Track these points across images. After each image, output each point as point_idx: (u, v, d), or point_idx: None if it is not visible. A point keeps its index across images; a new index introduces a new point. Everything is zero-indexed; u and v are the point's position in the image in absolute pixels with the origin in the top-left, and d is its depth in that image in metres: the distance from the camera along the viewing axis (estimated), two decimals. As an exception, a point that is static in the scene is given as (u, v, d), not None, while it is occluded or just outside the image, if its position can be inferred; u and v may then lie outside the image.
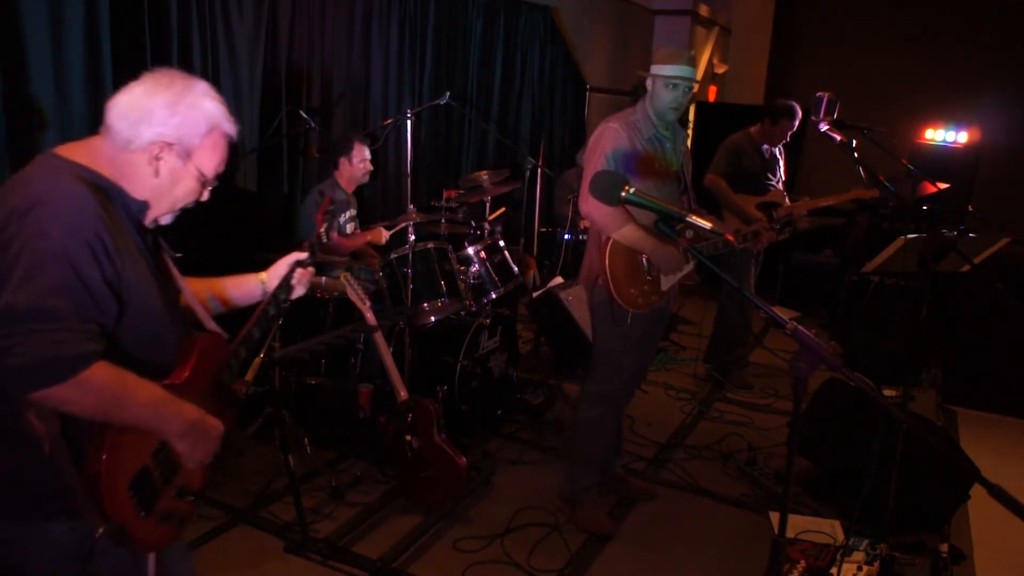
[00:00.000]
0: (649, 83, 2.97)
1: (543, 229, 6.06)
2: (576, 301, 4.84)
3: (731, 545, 3.18)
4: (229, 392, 1.70)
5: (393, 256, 3.80)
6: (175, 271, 1.64)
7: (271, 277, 1.86)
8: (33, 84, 3.06)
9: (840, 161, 4.16)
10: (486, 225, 4.46)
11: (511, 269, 4.26)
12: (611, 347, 3.07)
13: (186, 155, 1.49)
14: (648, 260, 2.99)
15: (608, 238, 2.91)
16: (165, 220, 1.57)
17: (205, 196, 1.58)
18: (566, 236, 5.48)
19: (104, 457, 1.33)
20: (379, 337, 3.27)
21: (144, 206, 1.50)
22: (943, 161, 7.69)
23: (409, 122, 4.16)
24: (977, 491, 2.79)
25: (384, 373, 3.25)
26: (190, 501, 1.59)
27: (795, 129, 4.63)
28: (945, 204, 6.04)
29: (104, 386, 1.31)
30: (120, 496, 1.37)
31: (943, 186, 3.91)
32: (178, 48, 3.63)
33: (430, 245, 3.88)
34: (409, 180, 4.21)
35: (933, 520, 3.22)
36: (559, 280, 5.12)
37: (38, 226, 1.27)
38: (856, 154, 3.57)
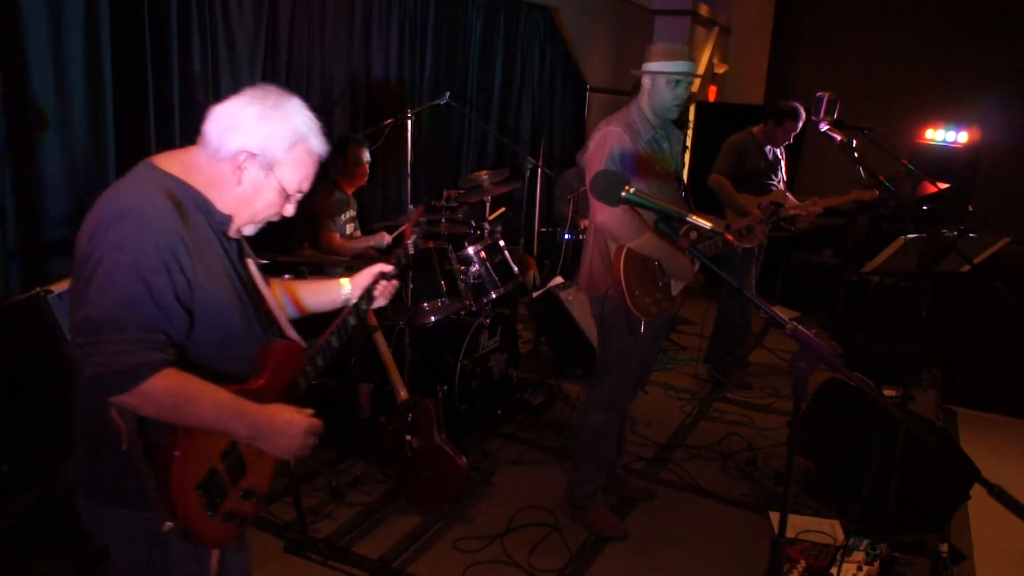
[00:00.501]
0: (647, 81, 2.91)
1: (543, 229, 6.06)
2: (576, 301, 4.84)
3: (731, 545, 3.18)
4: (302, 397, 1.70)
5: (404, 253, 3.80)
6: (259, 277, 1.67)
7: (354, 287, 1.86)
8: (33, 84, 3.06)
9: (840, 161, 4.17)
10: (486, 225, 4.45)
11: (511, 269, 4.26)
12: (624, 356, 3.05)
13: (268, 167, 1.51)
14: (660, 267, 2.98)
15: (620, 248, 2.86)
16: (248, 231, 1.60)
17: (289, 211, 1.59)
18: (566, 236, 5.48)
19: (174, 456, 1.40)
20: (379, 337, 3.27)
21: (227, 218, 1.55)
22: (943, 161, 7.69)
23: (409, 122, 4.17)
24: (977, 491, 2.79)
25: (384, 373, 3.26)
26: (255, 502, 1.60)
27: (798, 131, 4.64)
28: (945, 204, 6.05)
29: (166, 394, 1.37)
30: (187, 495, 1.42)
31: (943, 186, 3.92)
32: (178, 48, 3.63)
33: (430, 245, 3.88)
34: (409, 180, 4.21)
35: (933, 520, 3.22)
36: (559, 280, 5.12)
37: (117, 240, 1.35)
38: (856, 154, 3.57)
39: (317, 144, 1.56)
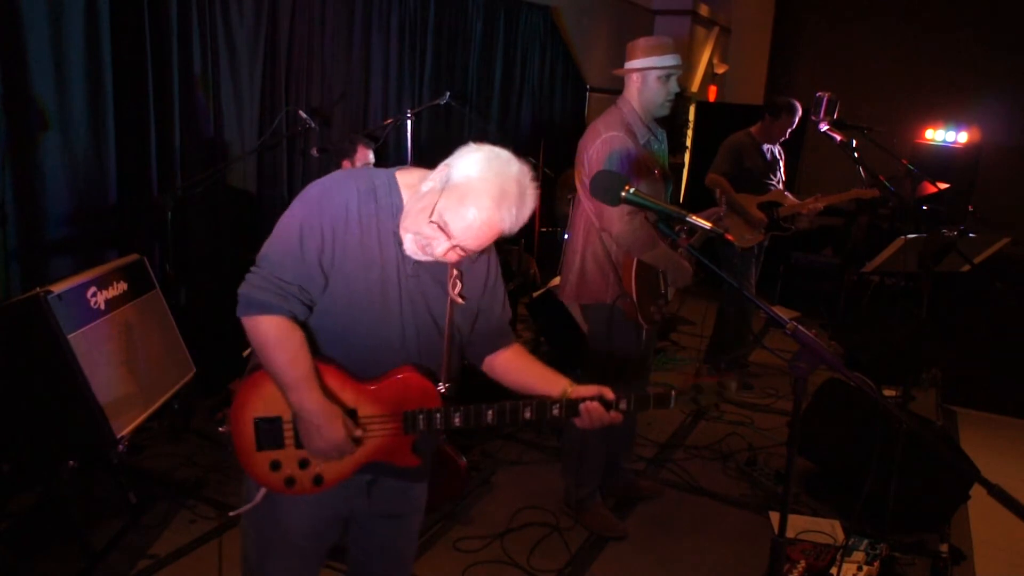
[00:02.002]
0: (636, 78, 2.83)
1: (543, 229, 6.06)
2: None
3: (731, 545, 3.18)
4: (421, 443, 1.70)
5: None
6: (455, 315, 1.67)
7: (573, 392, 1.70)
8: (33, 84, 3.06)
9: (840, 161, 4.16)
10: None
11: (511, 269, 4.25)
12: (628, 361, 3.06)
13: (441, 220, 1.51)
14: (663, 276, 2.99)
15: (631, 259, 2.84)
16: (419, 256, 1.57)
17: (448, 256, 1.54)
18: (566, 236, 5.47)
19: (254, 375, 1.60)
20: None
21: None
22: (943, 161, 7.69)
23: (409, 122, 4.17)
24: (977, 491, 2.79)
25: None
26: (313, 481, 1.66)
27: (795, 126, 4.63)
28: (945, 204, 6.04)
29: (263, 334, 1.53)
30: (244, 418, 1.61)
31: (943, 186, 3.92)
32: (178, 48, 3.63)
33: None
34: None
35: (933, 520, 3.22)
36: (559, 280, 5.12)
37: (302, 199, 1.56)
38: (856, 154, 3.57)
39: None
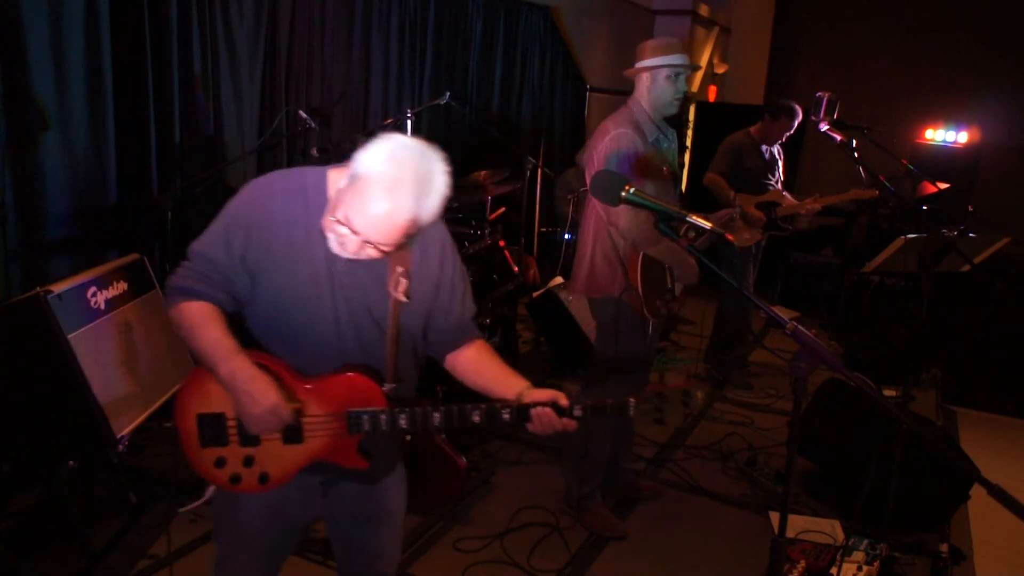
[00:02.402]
0: (646, 78, 2.87)
1: (543, 229, 6.06)
2: (576, 301, 4.84)
3: (731, 545, 3.18)
4: (369, 445, 1.68)
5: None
6: (403, 313, 1.63)
7: (527, 396, 1.66)
8: (33, 84, 3.06)
9: (840, 161, 4.16)
10: (486, 225, 4.45)
11: (511, 269, 4.25)
12: (633, 357, 3.08)
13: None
14: (670, 271, 2.99)
15: (636, 253, 2.86)
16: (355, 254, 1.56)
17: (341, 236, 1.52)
18: (566, 236, 5.48)
19: (194, 370, 1.61)
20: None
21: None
22: (943, 161, 7.69)
23: (409, 122, 4.17)
24: (977, 491, 2.79)
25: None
26: (258, 479, 1.65)
27: (793, 131, 4.64)
28: (945, 204, 6.05)
29: (189, 317, 1.56)
30: (187, 414, 1.63)
31: (943, 186, 3.92)
32: (178, 48, 3.63)
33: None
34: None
35: (933, 520, 3.22)
36: (559, 280, 5.12)
37: (237, 196, 1.61)
38: (856, 154, 3.57)
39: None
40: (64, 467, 2.75)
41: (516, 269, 4.31)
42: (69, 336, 2.65)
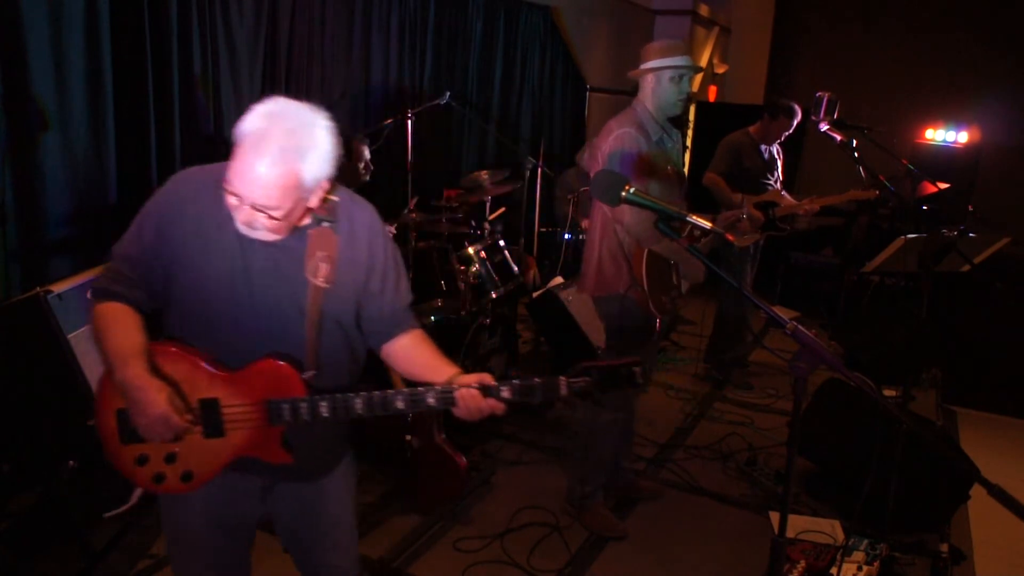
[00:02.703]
0: (650, 79, 2.90)
1: (543, 229, 6.06)
2: (576, 301, 4.84)
3: (731, 545, 3.18)
4: (293, 438, 1.64)
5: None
6: (318, 296, 1.59)
7: (457, 383, 1.62)
8: (33, 84, 3.06)
9: (840, 161, 4.16)
10: (486, 225, 4.45)
11: (511, 269, 4.26)
12: (640, 354, 3.07)
13: None
14: (675, 267, 3.00)
15: (641, 250, 2.87)
16: (261, 236, 1.54)
17: (234, 207, 1.51)
18: (566, 236, 5.48)
19: (105, 372, 1.59)
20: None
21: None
22: (943, 161, 7.68)
23: (409, 122, 4.17)
24: (977, 491, 2.79)
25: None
26: (181, 477, 1.62)
27: (791, 130, 4.64)
28: (945, 204, 6.05)
29: (100, 318, 1.59)
30: (107, 411, 1.61)
31: (943, 186, 3.92)
32: (178, 48, 3.63)
33: (430, 245, 3.88)
34: (409, 180, 4.21)
35: (933, 520, 3.22)
36: (559, 280, 5.12)
37: (153, 196, 1.63)
38: (856, 154, 3.57)
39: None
40: (64, 467, 2.75)
41: (516, 269, 4.31)
42: (69, 336, 2.65)
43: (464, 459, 3.16)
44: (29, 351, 2.69)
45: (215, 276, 1.56)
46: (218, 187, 1.52)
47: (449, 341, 3.82)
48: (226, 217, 1.53)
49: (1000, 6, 9.14)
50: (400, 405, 1.59)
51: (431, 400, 1.59)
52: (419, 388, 1.60)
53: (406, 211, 4.02)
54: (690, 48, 2.94)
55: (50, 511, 2.80)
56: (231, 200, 1.47)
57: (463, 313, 3.99)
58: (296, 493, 1.77)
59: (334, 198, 1.64)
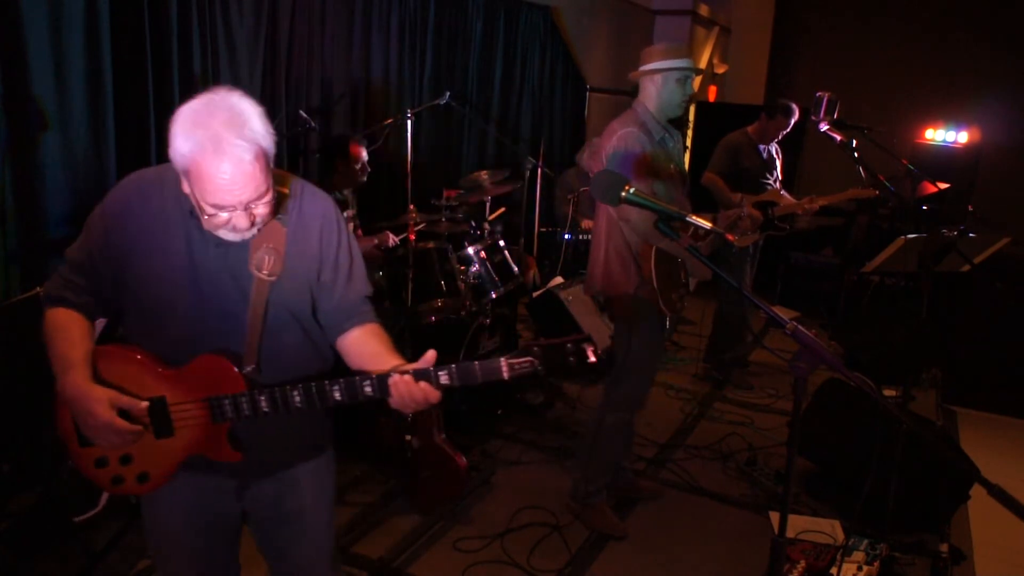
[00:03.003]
0: (656, 80, 2.91)
1: (543, 229, 6.06)
2: (576, 301, 4.84)
3: (731, 545, 3.18)
4: (241, 435, 1.62)
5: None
6: (264, 293, 1.57)
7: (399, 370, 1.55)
8: (33, 84, 3.06)
9: (840, 161, 4.16)
10: (486, 225, 4.45)
11: (511, 269, 4.26)
12: (649, 353, 3.10)
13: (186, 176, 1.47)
14: (684, 265, 3.01)
15: (649, 247, 2.87)
16: (227, 236, 1.52)
17: (226, 224, 1.48)
18: (566, 236, 5.48)
19: (59, 379, 1.56)
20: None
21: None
22: (943, 161, 7.68)
23: (409, 122, 4.16)
24: (977, 491, 2.79)
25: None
26: (138, 479, 1.63)
27: (789, 129, 4.64)
28: (945, 204, 6.05)
29: (48, 324, 1.60)
30: (64, 415, 1.60)
31: (943, 186, 3.91)
32: (178, 48, 3.63)
33: (430, 245, 3.88)
34: (409, 180, 4.21)
35: (933, 520, 3.22)
36: (559, 280, 5.12)
37: (102, 202, 1.62)
38: (856, 154, 3.57)
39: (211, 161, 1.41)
40: (64, 467, 2.75)
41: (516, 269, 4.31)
42: (69, 336, 2.65)
43: (464, 459, 3.16)
44: (29, 351, 2.69)
45: (163, 276, 1.56)
46: (163, 188, 1.54)
47: (449, 341, 3.82)
48: (174, 218, 1.54)
49: (1000, 6, 9.14)
50: (337, 396, 1.54)
51: (368, 388, 1.53)
52: (355, 377, 1.54)
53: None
54: (692, 50, 2.96)
55: (50, 511, 2.80)
56: (219, 218, 1.44)
57: (463, 313, 3.99)
58: (269, 488, 1.75)
59: (283, 189, 1.61)
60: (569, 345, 1.46)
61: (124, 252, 1.56)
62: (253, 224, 1.49)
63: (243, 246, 1.56)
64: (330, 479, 1.87)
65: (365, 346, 1.69)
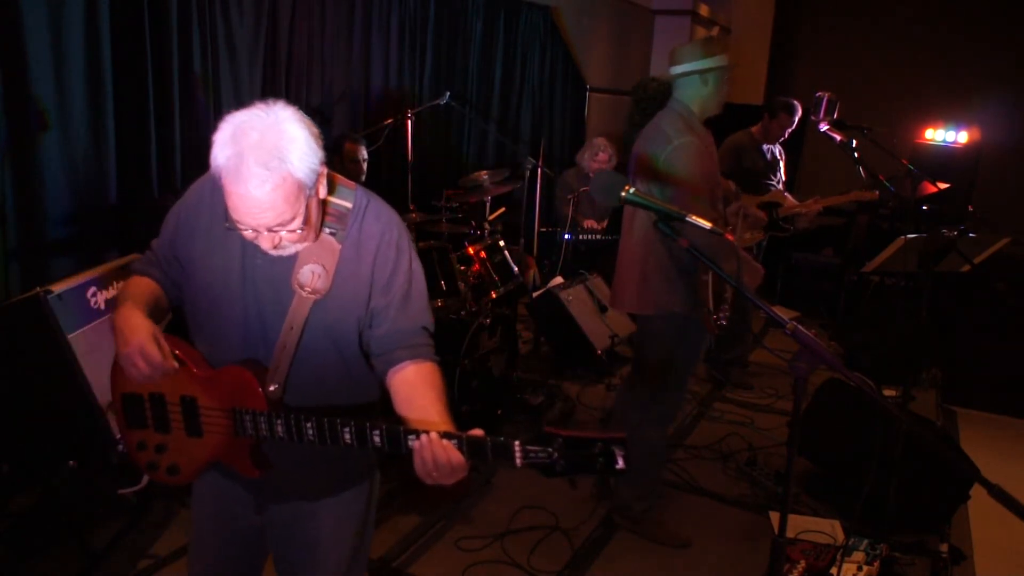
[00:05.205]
0: (702, 79, 2.77)
1: (543, 229, 6.06)
2: (576, 301, 4.84)
3: (731, 545, 3.18)
4: (267, 452, 1.59)
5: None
6: (304, 314, 1.51)
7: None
8: (33, 84, 3.06)
9: (840, 161, 4.17)
10: (486, 225, 4.45)
11: (511, 269, 4.26)
12: (689, 371, 3.10)
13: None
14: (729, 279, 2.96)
15: (708, 271, 2.73)
16: (288, 252, 1.49)
17: (253, 239, 1.44)
18: (566, 236, 5.48)
19: (116, 355, 1.57)
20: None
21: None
22: (943, 161, 7.69)
23: (409, 122, 4.17)
24: (977, 491, 2.79)
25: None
26: (167, 471, 1.64)
27: (793, 127, 4.63)
28: (945, 204, 6.04)
29: (123, 287, 1.67)
30: (115, 394, 1.67)
31: (943, 186, 3.91)
32: (178, 48, 3.63)
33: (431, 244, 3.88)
34: (409, 180, 4.21)
35: (933, 520, 3.22)
36: (559, 280, 5.12)
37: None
38: (856, 154, 3.57)
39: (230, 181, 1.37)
40: (64, 467, 2.75)
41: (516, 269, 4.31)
42: (69, 336, 2.64)
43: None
44: (29, 351, 2.69)
45: (216, 276, 1.56)
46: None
47: (449, 341, 3.82)
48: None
49: (1000, 6, 9.14)
50: (348, 439, 1.43)
51: (376, 438, 1.41)
52: (366, 424, 1.42)
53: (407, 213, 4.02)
54: (727, 45, 2.90)
55: (50, 511, 2.80)
56: (247, 235, 1.42)
57: (463, 313, 3.99)
58: (285, 512, 1.70)
59: (346, 204, 1.53)
60: (599, 445, 1.27)
61: (191, 245, 1.59)
62: (277, 246, 1.43)
63: (290, 260, 1.49)
64: (359, 512, 1.75)
65: (413, 397, 1.52)
